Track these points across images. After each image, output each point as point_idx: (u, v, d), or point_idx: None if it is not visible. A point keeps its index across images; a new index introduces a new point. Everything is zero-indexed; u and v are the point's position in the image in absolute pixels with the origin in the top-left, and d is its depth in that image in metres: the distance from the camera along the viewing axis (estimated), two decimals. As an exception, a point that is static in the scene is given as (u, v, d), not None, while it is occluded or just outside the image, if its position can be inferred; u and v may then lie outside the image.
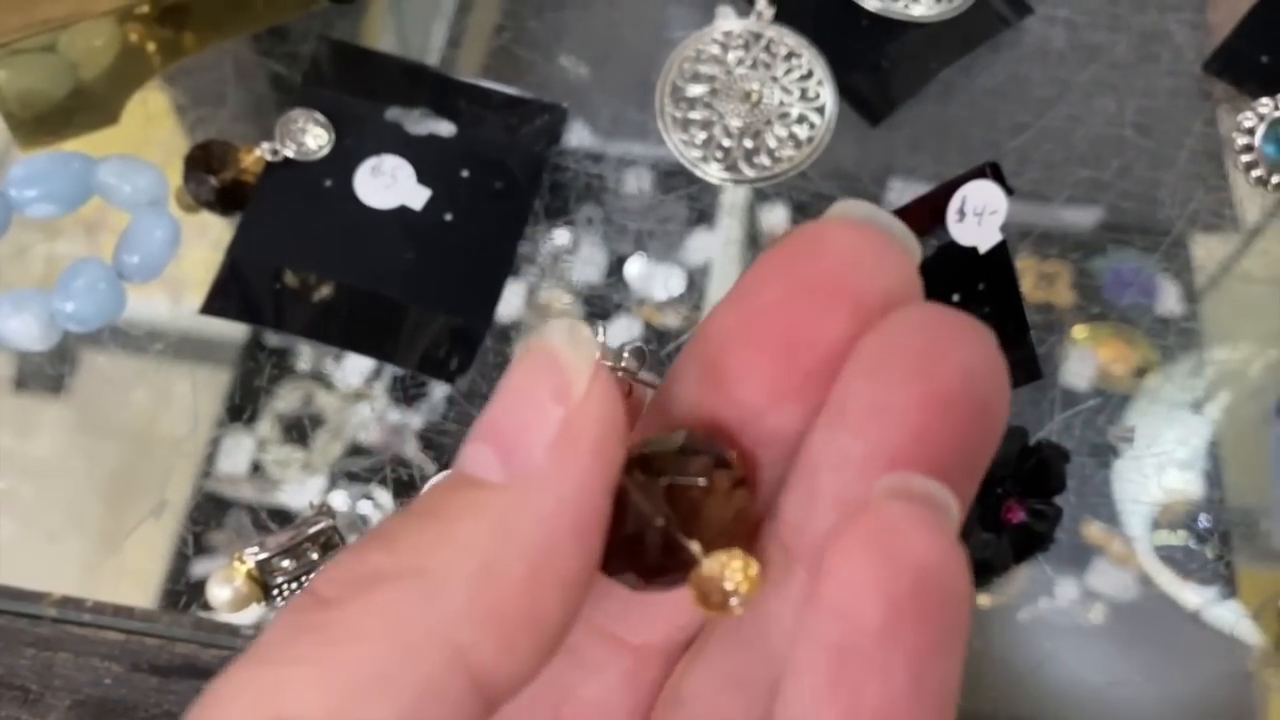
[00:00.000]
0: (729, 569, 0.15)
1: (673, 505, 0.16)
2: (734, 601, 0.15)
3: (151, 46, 0.43)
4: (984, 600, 0.36)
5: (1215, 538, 0.37)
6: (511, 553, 0.14)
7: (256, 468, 0.38)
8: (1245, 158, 0.41)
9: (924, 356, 0.14)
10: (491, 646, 0.14)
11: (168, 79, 0.44)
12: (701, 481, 0.15)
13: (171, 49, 0.44)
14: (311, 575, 0.34)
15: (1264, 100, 0.41)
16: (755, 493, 0.16)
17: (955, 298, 0.34)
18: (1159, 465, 0.38)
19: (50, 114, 0.42)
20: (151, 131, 0.42)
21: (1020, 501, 0.33)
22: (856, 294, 0.15)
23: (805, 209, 0.42)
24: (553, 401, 0.15)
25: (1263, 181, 0.41)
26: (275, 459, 0.38)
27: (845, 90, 0.42)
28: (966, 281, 0.33)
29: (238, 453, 0.38)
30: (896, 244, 0.15)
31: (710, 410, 0.16)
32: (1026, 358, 0.32)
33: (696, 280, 0.41)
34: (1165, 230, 0.41)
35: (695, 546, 0.15)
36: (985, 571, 0.33)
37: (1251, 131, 0.41)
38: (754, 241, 0.41)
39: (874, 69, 0.44)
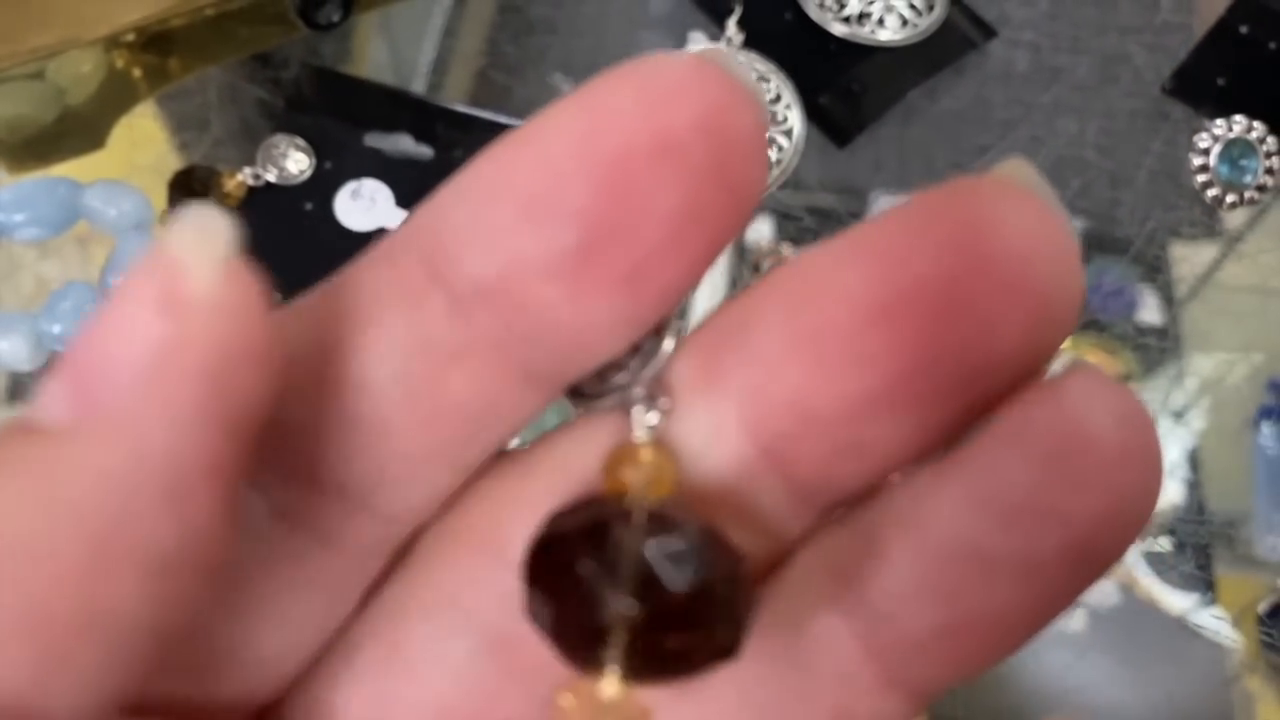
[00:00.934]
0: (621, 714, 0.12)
1: (656, 608, 0.12)
2: None
3: (137, 73, 0.44)
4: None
5: (1196, 546, 0.37)
6: (59, 528, 0.11)
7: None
8: (1201, 178, 0.42)
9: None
10: (27, 670, 0.10)
11: (153, 104, 0.44)
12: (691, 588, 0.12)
13: (157, 75, 0.45)
14: None
15: (1219, 122, 0.42)
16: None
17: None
18: None
19: (38, 139, 0.43)
20: (137, 156, 0.43)
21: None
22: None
23: (779, 230, 0.43)
24: (156, 314, 0.11)
25: (1218, 201, 0.42)
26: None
27: (814, 112, 0.43)
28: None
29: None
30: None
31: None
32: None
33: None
34: (1124, 248, 0.42)
35: (613, 670, 0.12)
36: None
37: (1207, 152, 0.42)
38: (741, 254, 0.42)
39: (842, 92, 0.45)
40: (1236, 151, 0.41)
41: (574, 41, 0.47)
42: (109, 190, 0.39)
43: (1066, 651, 0.36)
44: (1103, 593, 0.37)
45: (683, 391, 0.13)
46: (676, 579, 0.12)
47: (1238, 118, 0.41)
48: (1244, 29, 0.43)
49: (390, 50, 0.48)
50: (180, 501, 0.11)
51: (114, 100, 0.44)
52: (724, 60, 0.12)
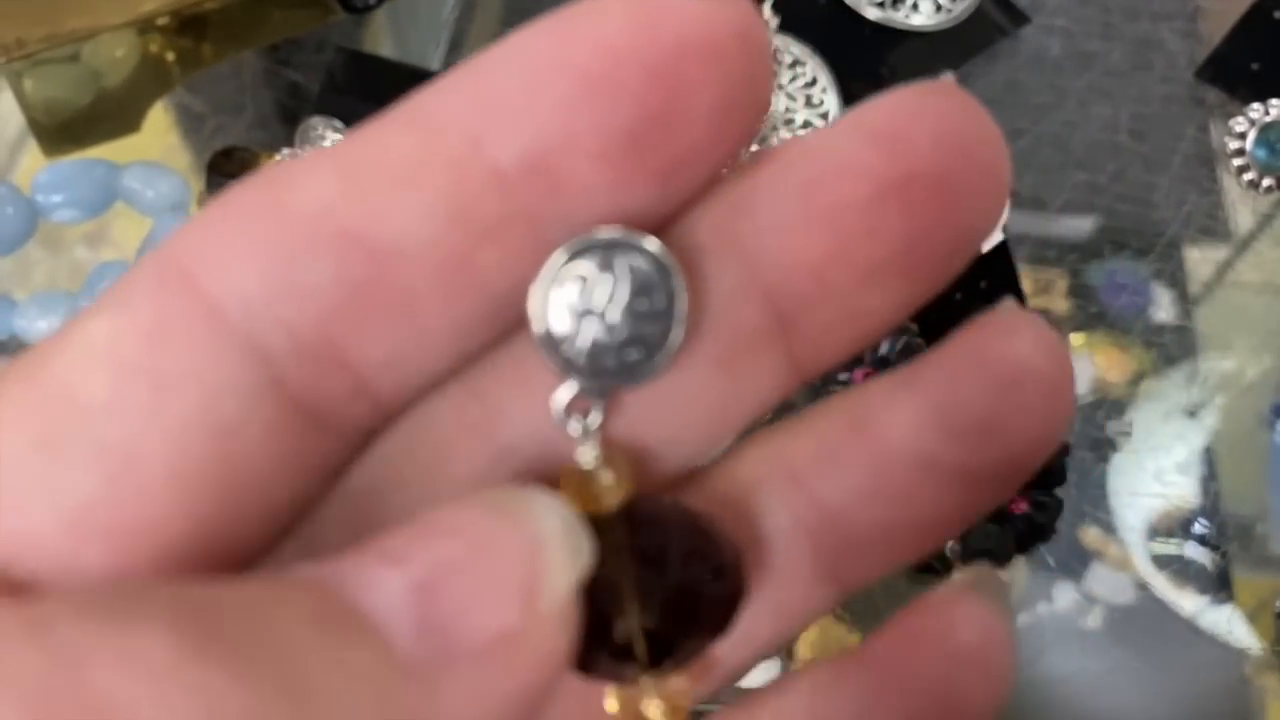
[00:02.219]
0: (669, 701, 0.14)
1: (664, 613, 0.13)
2: None
3: (171, 56, 0.44)
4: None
5: (1212, 545, 0.37)
6: None
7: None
8: (1237, 162, 0.42)
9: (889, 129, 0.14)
10: None
11: (188, 88, 0.45)
12: (696, 588, 0.13)
13: (191, 59, 0.45)
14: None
15: (1255, 106, 0.42)
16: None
17: (958, 295, 0.35)
18: (1156, 471, 0.38)
19: (74, 122, 0.43)
20: (172, 139, 0.43)
21: (1023, 493, 0.34)
22: None
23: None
24: (513, 597, 0.12)
25: (1254, 185, 0.42)
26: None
27: (849, 97, 0.44)
28: (969, 279, 0.34)
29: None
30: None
31: None
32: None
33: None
34: (1159, 233, 0.42)
35: (643, 662, 0.13)
36: (989, 559, 0.34)
37: (1243, 136, 0.42)
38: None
39: (876, 77, 0.45)
40: (1273, 135, 0.41)
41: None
42: (146, 171, 0.39)
43: (1082, 650, 0.36)
44: (1119, 591, 0.37)
45: (699, 255, 0.14)
46: (669, 582, 0.13)
47: (1274, 101, 0.42)
48: (1277, 14, 0.43)
49: (403, 35, 0.48)
50: None
51: (149, 84, 0.44)
52: None
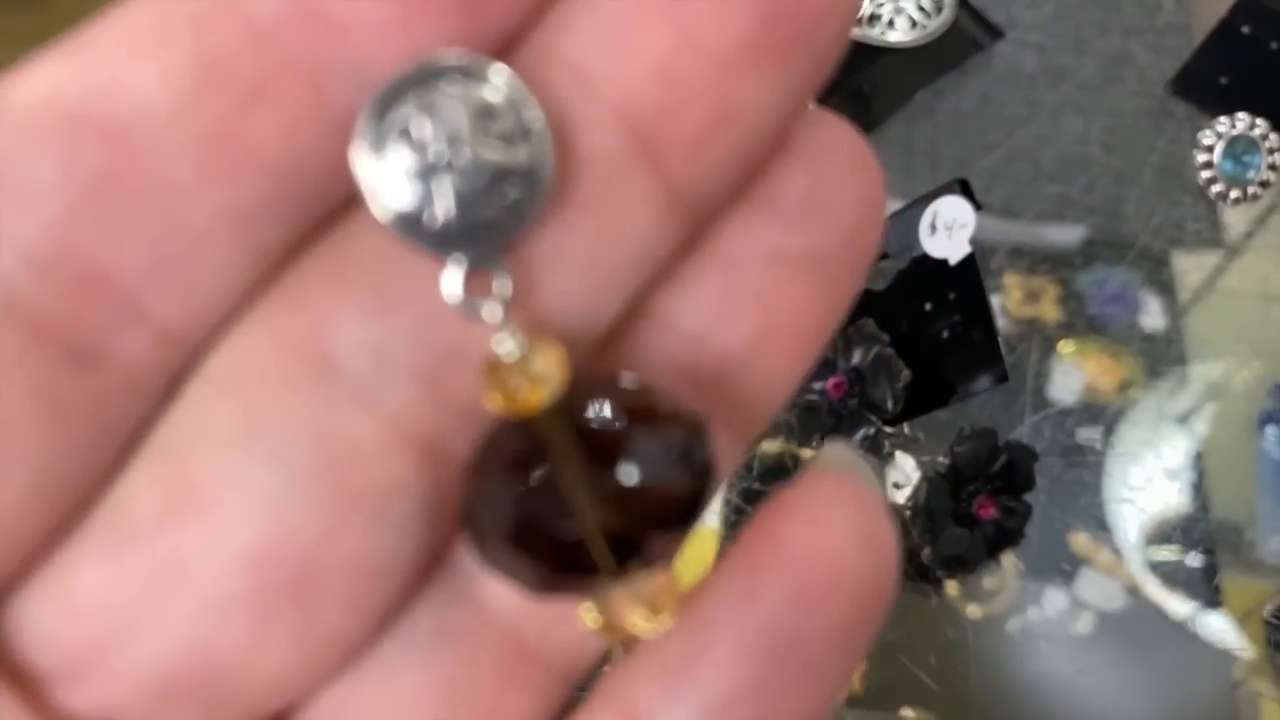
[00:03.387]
0: (643, 612, 0.12)
1: (619, 508, 0.11)
2: (646, 633, 0.12)
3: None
4: (974, 611, 0.37)
5: (1195, 553, 0.38)
6: None
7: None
8: (1205, 174, 0.43)
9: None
10: None
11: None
12: (658, 479, 0.11)
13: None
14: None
15: (1222, 119, 0.43)
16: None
17: (928, 306, 0.35)
18: (1145, 477, 0.39)
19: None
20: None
21: (991, 498, 0.35)
22: None
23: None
24: None
25: (1222, 197, 0.43)
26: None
27: (825, 112, 0.44)
28: (938, 291, 0.35)
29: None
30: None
31: None
32: (994, 361, 0.34)
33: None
34: (1130, 244, 0.43)
35: (613, 570, 0.12)
36: (959, 565, 0.35)
37: (1211, 149, 0.43)
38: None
39: (853, 92, 0.46)
40: (1240, 148, 0.42)
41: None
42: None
43: (1073, 654, 0.36)
44: (1109, 596, 0.37)
45: (533, 78, 0.11)
46: (632, 475, 0.11)
47: (1241, 115, 0.42)
48: (1245, 29, 0.44)
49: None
50: None
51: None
52: None
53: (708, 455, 0.12)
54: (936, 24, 0.45)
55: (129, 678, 0.11)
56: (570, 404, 0.11)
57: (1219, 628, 0.37)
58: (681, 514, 0.12)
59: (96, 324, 0.11)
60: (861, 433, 0.35)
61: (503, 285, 0.11)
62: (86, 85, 0.10)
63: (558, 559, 0.11)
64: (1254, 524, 0.39)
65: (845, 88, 0.46)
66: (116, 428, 0.11)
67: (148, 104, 0.10)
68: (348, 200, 0.11)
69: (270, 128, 0.10)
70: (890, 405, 0.35)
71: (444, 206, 0.11)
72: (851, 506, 0.12)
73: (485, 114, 0.11)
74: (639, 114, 0.11)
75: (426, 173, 0.11)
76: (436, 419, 0.12)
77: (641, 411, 0.11)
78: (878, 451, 0.36)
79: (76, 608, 0.11)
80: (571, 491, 0.11)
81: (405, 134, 0.10)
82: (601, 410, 0.11)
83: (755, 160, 0.12)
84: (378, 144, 0.11)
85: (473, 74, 0.11)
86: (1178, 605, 0.37)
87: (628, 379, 0.12)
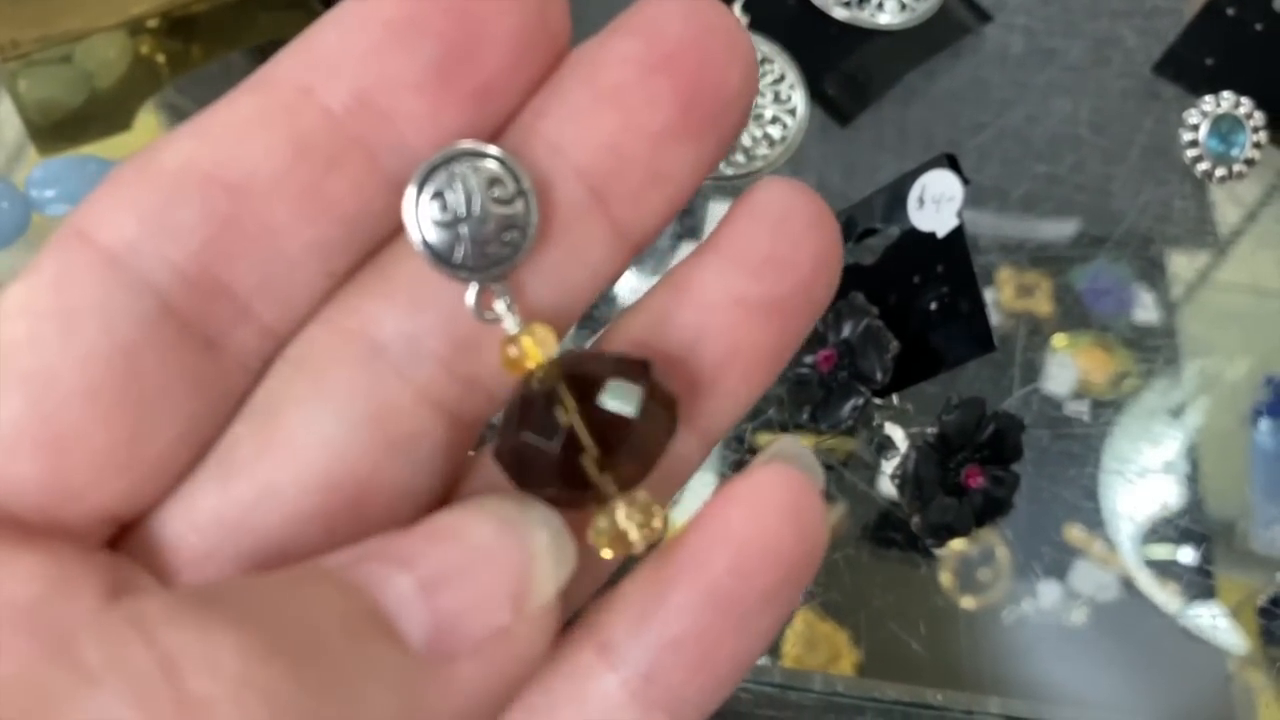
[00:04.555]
0: (637, 518, 0.16)
1: (601, 433, 0.15)
2: (636, 547, 0.16)
3: (161, 58, 0.46)
4: (968, 602, 0.37)
5: (1188, 546, 0.38)
6: None
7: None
8: (1191, 152, 0.43)
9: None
10: None
11: (177, 88, 0.46)
12: (631, 412, 0.15)
13: (180, 60, 0.46)
14: None
15: (1208, 98, 0.43)
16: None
17: (916, 279, 0.36)
18: (1139, 470, 0.39)
19: (67, 121, 0.44)
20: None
21: (980, 468, 0.35)
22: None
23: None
24: (506, 603, 0.14)
25: (1208, 175, 0.43)
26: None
27: (816, 93, 0.45)
28: (926, 264, 0.35)
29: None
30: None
31: None
32: (980, 331, 0.34)
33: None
34: (1118, 221, 0.44)
35: (611, 488, 0.15)
36: (947, 533, 0.35)
37: (1196, 128, 0.43)
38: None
39: (843, 74, 0.46)
40: (1225, 127, 0.43)
41: (582, 27, 0.49)
42: (137, 167, 0.40)
43: (1067, 647, 0.37)
44: (1103, 588, 0.37)
45: (517, 155, 0.16)
46: (625, 410, 0.15)
47: (1226, 94, 0.43)
48: (1230, 11, 0.45)
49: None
50: None
51: (140, 84, 0.45)
52: None
53: (667, 392, 0.16)
54: (926, 6, 0.46)
55: (232, 569, 0.15)
56: (561, 362, 0.16)
57: (1212, 620, 0.37)
58: (648, 437, 0.16)
59: (221, 322, 0.15)
60: (851, 404, 0.36)
61: (503, 296, 0.16)
62: (214, 155, 0.15)
63: (560, 478, 0.15)
64: (1247, 516, 0.39)
65: (836, 70, 0.46)
66: (232, 395, 0.15)
67: (257, 169, 0.15)
68: (391, 237, 0.16)
69: (342, 188, 0.15)
70: (879, 377, 0.35)
71: (463, 247, 0.15)
72: (788, 494, 0.15)
73: (493, 182, 0.15)
74: (594, 175, 0.16)
75: (453, 223, 0.15)
76: (452, 388, 0.16)
77: (612, 363, 0.16)
78: (867, 423, 0.37)
79: (196, 522, 0.15)
80: (566, 417, 0.15)
81: (439, 195, 0.15)
82: (583, 364, 0.16)
83: (680, 205, 0.16)
84: (420, 204, 0.15)
85: (480, 154, 0.15)
86: (1171, 597, 0.37)
87: (603, 349, 0.16)
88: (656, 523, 0.16)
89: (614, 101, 0.16)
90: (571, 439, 0.15)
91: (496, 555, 0.14)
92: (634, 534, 0.16)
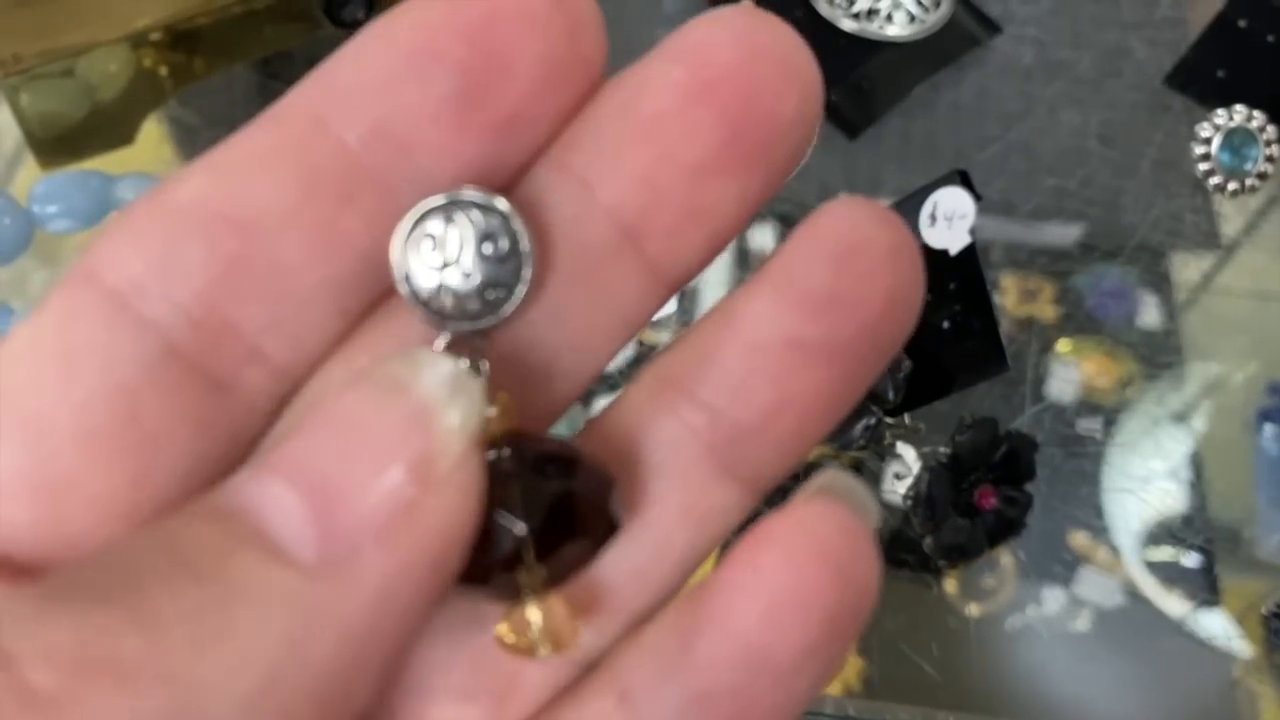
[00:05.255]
0: (552, 621, 0.14)
1: (546, 520, 0.14)
2: (541, 652, 0.14)
3: (164, 71, 0.45)
4: (973, 609, 0.37)
5: (1193, 552, 0.38)
6: (304, 670, 0.12)
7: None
8: (1203, 166, 0.43)
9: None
10: None
11: (180, 101, 0.45)
12: (523, 531, 0.14)
13: (183, 73, 0.46)
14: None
15: (1220, 111, 0.43)
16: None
17: (928, 297, 0.36)
18: (1144, 476, 0.39)
19: (69, 135, 0.44)
20: (165, 152, 0.44)
21: (993, 488, 0.35)
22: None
23: (789, 219, 0.44)
24: (404, 473, 0.13)
25: (1220, 188, 0.43)
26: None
27: (824, 106, 0.44)
28: (938, 282, 0.35)
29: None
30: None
31: None
32: (994, 351, 0.34)
33: (688, 297, 0.42)
34: (1128, 236, 0.43)
35: (539, 580, 0.14)
36: (960, 554, 0.35)
37: (1209, 141, 0.43)
38: (743, 259, 0.43)
39: (851, 86, 0.46)
40: (1238, 140, 0.42)
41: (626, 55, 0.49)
42: (140, 183, 0.40)
43: (1071, 654, 0.36)
44: (1107, 595, 0.37)
45: (542, 192, 0.15)
46: (549, 493, 0.14)
47: (1238, 107, 0.43)
48: (1242, 22, 0.45)
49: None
50: (386, 666, 0.13)
51: (142, 97, 0.45)
52: None
53: (610, 505, 0.15)
54: (935, 19, 0.46)
55: None
56: (512, 441, 0.14)
57: (1217, 626, 0.37)
58: (594, 525, 0.15)
59: (230, 362, 0.14)
60: (862, 423, 0.35)
61: (477, 354, 0.15)
62: (224, 192, 0.14)
63: (486, 560, 0.14)
64: (1252, 522, 0.39)
65: (844, 82, 0.46)
66: (241, 437, 0.14)
67: (268, 206, 0.14)
68: None
69: (357, 223, 0.14)
70: (891, 396, 0.35)
71: (445, 295, 0.15)
72: (830, 538, 0.14)
73: (487, 236, 0.14)
74: (625, 211, 0.15)
75: (440, 268, 0.14)
76: None
77: (562, 450, 0.15)
78: (878, 442, 0.37)
79: None
80: (505, 501, 0.14)
81: (431, 238, 0.14)
82: (532, 447, 0.14)
83: (724, 242, 0.15)
84: (411, 242, 0.14)
85: (484, 204, 0.14)
86: (1176, 603, 0.37)
87: (555, 437, 0.15)
88: (564, 636, 0.14)
89: (650, 132, 0.15)
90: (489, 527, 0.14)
91: (378, 425, 0.13)
92: (537, 639, 0.14)
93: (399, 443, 0.13)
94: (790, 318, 0.15)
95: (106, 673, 0.11)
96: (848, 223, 0.15)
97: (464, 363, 0.14)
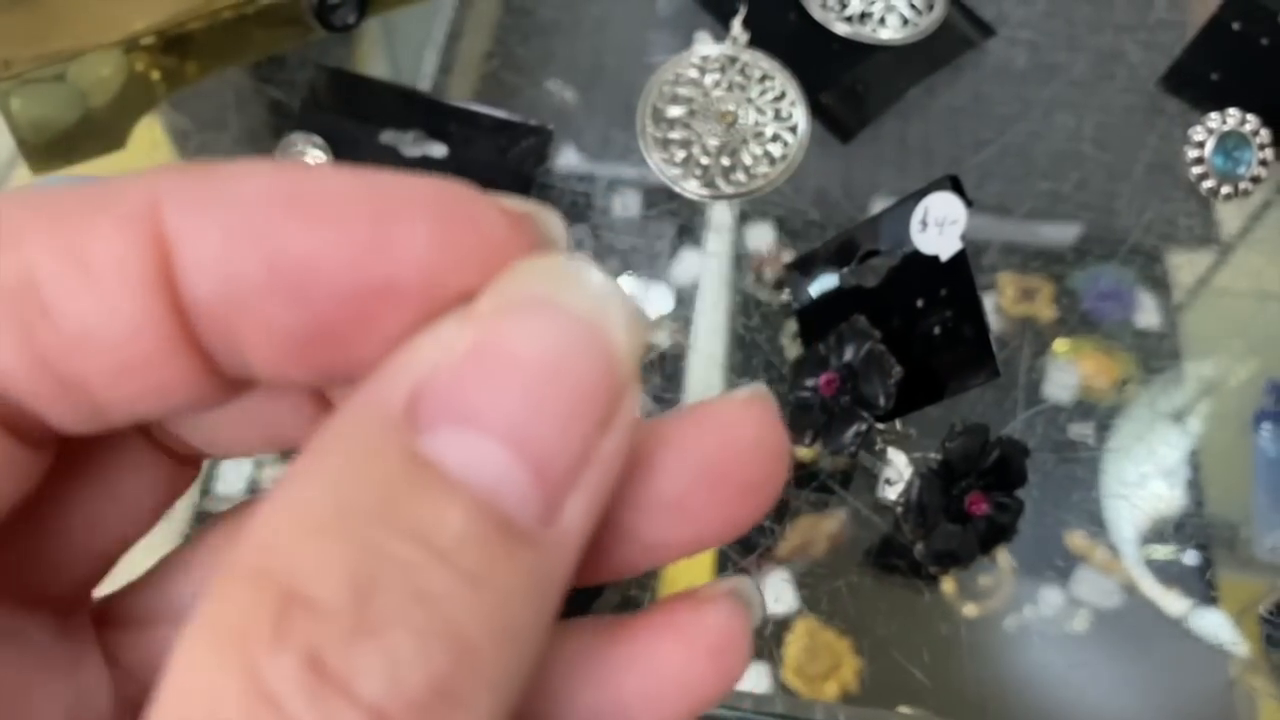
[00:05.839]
0: None
1: None
2: None
3: (156, 75, 0.45)
4: (971, 610, 0.37)
5: (1190, 551, 0.38)
6: (537, 623, 0.11)
7: (253, 489, 0.39)
8: (1196, 169, 0.43)
9: None
10: None
11: (172, 106, 0.45)
12: None
13: (175, 77, 0.46)
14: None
15: (1213, 115, 0.43)
16: None
17: (919, 302, 0.35)
18: (1140, 475, 0.39)
19: (61, 140, 0.44)
20: (157, 156, 0.44)
21: (984, 494, 0.35)
22: None
23: (783, 223, 0.44)
24: (600, 430, 0.11)
25: (1213, 192, 0.43)
26: (274, 479, 0.40)
27: (817, 109, 0.44)
28: (930, 287, 0.35)
29: (235, 474, 0.39)
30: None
31: None
32: (985, 358, 0.34)
33: (684, 299, 0.42)
34: (1123, 237, 0.43)
35: None
36: (952, 560, 0.35)
37: (1202, 145, 0.43)
38: (740, 261, 0.43)
39: (845, 90, 0.46)
40: (1231, 144, 0.42)
41: (581, 42, 0.48)
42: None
43: (1069, 653, 0.36)
44: (1105, 595, 0.37)
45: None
46: None
47: (1232, 111, 0.42)
48: (1236, 25, 0.44)
49: (396, 54, 0.49)
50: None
51: (134, 102, 0.45)
52: None
53: None
54: (928, 21, 0.46)
55: None
56: None
57: (1215, 625, 0.37)
58: None
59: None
60: (853, 429, 0.35)
61: None
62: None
63: None
64: (1249, 521, 0.39)
65: (837, 86, 0.46)
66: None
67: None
68: None
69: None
70: (882, 402, 0.35)
71: None
72: (710, 638, 0.14)
73: None
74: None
75: None
76: None
77: None
78: (870, 448, 0.36)
79: None
80: None
81: None
82: None
83: None
84: None
85: None
86: (1173, 603, 0.37)
87: None
88: None
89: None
90: None
91: (579, 369, 0.11)
92: None
93: (593, 395, 0.11)
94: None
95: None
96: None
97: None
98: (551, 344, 0.11)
